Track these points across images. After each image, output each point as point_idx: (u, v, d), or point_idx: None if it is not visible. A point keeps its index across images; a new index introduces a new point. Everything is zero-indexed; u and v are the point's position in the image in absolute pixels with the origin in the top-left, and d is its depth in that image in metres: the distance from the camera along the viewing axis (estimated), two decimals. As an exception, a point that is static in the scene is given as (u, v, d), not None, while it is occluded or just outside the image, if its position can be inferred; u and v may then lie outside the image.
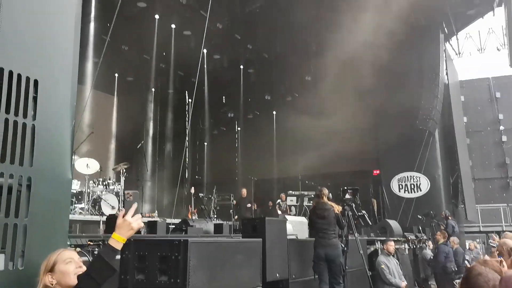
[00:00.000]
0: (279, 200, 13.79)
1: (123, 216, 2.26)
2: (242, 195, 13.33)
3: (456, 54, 19.71)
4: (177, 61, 16.22)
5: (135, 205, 2.37)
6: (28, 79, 2.42)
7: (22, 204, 2.33)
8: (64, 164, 2.62)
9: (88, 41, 12.94)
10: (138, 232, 6.99)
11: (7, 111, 2.30)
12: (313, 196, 13.63)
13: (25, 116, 2.39)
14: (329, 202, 5.99)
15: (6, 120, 2.28)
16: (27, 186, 2.37)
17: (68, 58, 2.72)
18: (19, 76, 2.37)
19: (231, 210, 12.84)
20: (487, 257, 4.13)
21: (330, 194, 6.37)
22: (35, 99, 2.46)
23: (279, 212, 13.34)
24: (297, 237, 7.07)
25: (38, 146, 2.44)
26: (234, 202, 13.36)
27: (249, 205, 12.81)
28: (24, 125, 2.38)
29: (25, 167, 2.36)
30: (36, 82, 2.46)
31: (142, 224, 2.34)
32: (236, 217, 12.32)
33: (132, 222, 2.25)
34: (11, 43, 2.33)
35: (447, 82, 16.10)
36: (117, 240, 2.20)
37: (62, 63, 2.67)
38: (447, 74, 16.22)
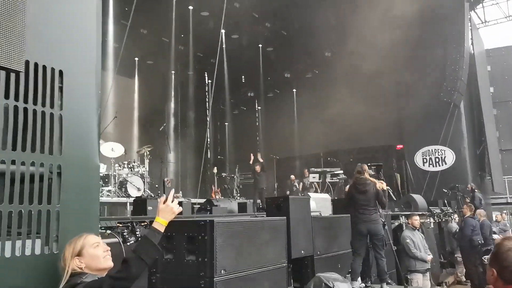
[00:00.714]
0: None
1: (164, 202, 2.37)
2: (256, 170, 12.90)
3: (482, 22, 18.97)
4: (196, 43, 16.19)
5: (172, 191, 2.49)
6: (53, 70, 2.48)
7: (54, 191, 2.43)
8: (92, 151, 2.71)
9: (108, 27, 13.04)
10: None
11: (35, 102, 2.37)
12: (335, 173, 13.63)
13: (52, 106, 2.47)
14: (370, 178, 6.00)
15: (34, 111, 2.37)
16: (57, 173, 2.47)
17: (91, 47, 2.77)
18: (44, 67, 2.44)
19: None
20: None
21: (371, 170, 6.35)
22: (61, 89, 2.54)
23: (299, 188, 13.28)
24: (320, 214, 7.12)
25: (66, 135, 2.52)
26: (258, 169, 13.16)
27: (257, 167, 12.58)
28: (52, 115, 2.46)
29: (55, 156, 2.46)
30: (61, 72, 2.53)
31: (181, 209, 2.54)
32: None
33: (174, 207, 2.37)
34: (35, 36, 2.38)
35: (472, 52, 15.57)
36: (161, 223, 2.32)
37: (86, 52, 2.72)
38: (472, 43, 15.68)
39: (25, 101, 2.33)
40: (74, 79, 2.59)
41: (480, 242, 8.90)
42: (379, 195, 5.86)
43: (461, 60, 14.08)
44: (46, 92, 2.44)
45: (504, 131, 20.04)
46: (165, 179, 10.90)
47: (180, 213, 6.50)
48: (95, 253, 2.29)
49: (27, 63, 2.30)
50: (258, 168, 12.60)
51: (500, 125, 19.70)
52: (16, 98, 2.28)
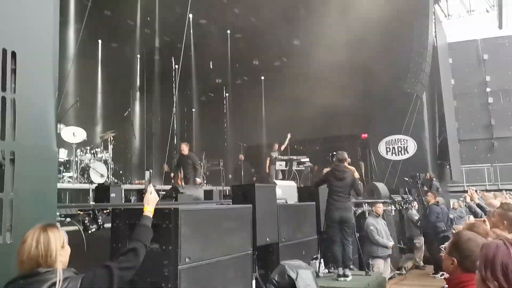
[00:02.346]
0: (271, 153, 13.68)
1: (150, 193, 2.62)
2: (240, 159, 13.41)
3: (445, 16, 19.51)
4: (162, 27, 15.78)
5: (151, 186, 2.80)
6: (5, 51, 2.34)
7: (7, 179, 2.31)
8: (48, 137, 2.59)
9: (69, 7, 12.50)
10: (129, 200, 7.03)
11: (-15, 84, 2.24)
12: (302, 160, 13.75)
13: (3, 89, 2.33)
14: (349, 167, 6.10)
15: (-15, 94, 2.23)
16: (10, 160, 2.34)
17: (47, 28, 2.63)
18: (-5, 48, 2.30)
19: (230, 176, 13.00)
20: (472, 219, 4.25)
21: (349, 159, 6.46)
22: (14, 71, 2.40)
23: (269, 164, 13.33)
24: (286, 201, 7.18)
25: (20, 119, 2.40)
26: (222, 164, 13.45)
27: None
28: (4, 98, 2.33)
29: (7, 142, 2.33)
30: (13, 54, 2.39)
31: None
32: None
33: (156, 196, 2.66)
34: (-15, 13, 2.24)
35: (435, 45, 16.00)
36: (151, 212, 2.58)
37: (41, 33, 2.58)
38: (435, 36, 16.10)
39: (-26, 83, 2.19)
40: (29, 61, 2.45)
41: (443, 228, 9.26)
42: (355, 183, 6.00)
43: (425, 52, 14.43)
44: (-3, 74, 2.30)
45: (463, 122, 20.87)
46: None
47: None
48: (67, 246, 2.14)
49: (-24, 42, 2.16)
50: (241, 157, 13.02)
51: (459, 116, 20.48)
52: (-36, 79, 2.14)
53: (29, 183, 2.42)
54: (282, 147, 13.52)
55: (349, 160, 6.26)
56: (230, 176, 13.34)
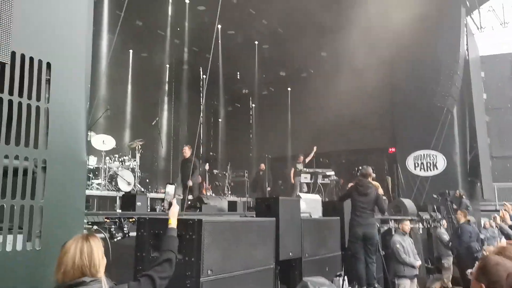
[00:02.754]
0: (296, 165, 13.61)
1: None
2: (260, 169, 13.37)
3: (478, 28, 19.05)
4: (192, 37, 16.06)
5: (175, 199, 2.91)
6: (40, 62, 2.42)
7: (38, 186, 2.37)
8: (78, 146, 2.64)
9: (103, 18, 12.88)
10: (154, 209, 7.10)
11: (20, 94, 2.30)
12: (327, 174, 13.61)
13: (38, 99, 2.40)
14: (373, 182, 6.00)
15: (20, 104, 2.30)
16: (42, 168, 2.40)
17: (80, 39, 2.70)
18: (31, 59, 2.37)
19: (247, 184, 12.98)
20: (503, 241, 4.07)
21: (374, 174, 6.35)
22: (48, 81, 2.47)
23: (292, 179, 13.23)
24: (310, 215, 7.09)
25: (52, 128, 2.46)
26: (247, 175, 13.48)
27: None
28: (38, 108, 2.40)
29: (40, 150, 2.39)
30: (48, 64, 2.46)
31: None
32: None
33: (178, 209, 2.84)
34: (23, 27, 2.31)
35: (467, 58, 15.63)
36: (175, 223, 2.75)
37: (75, 45, 2.65)
38: (467, 49, 15.72)
39: (11, 93, 2.26)
40: (62, 71, 2.52)
41: (477, 249, 8.81)
42: (379, 200, 5.88)
43: (456, 65, 14.11)
44: (32, 84, 2.37)
45: (496, 138, 20.21)
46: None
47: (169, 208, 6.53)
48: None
49: (13, 54, 2.23)
50: (262, 166, 12.95)
51: (491, 132, 19.84)
52: (1, 90, 2.21)
53: (59, 190, 2.48)
54: (307, 159, 13.42)
55: (373, 175, 6.13)
56: (247, 186, 13.32)
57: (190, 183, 8.89)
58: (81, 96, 2.67)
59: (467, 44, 15.68)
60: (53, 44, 2.53)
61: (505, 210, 5.46)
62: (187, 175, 9.27)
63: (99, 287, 1.91)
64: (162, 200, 8.27)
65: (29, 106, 2.35)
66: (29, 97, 2.35)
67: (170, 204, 2.64)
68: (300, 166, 13.25)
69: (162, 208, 2.62)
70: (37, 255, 2.32)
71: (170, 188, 2.61)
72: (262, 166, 13.85)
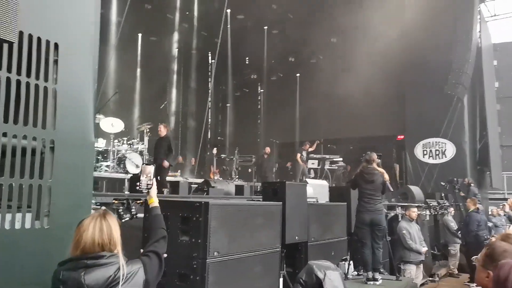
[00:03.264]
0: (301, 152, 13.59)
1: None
2: (266, 152, 13.32)
3: (491, 15, 18.65)
4: (201, 21, 15.99)
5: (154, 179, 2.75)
6: (48, 42, 2.42)
7: (47, 166, 2.39)
8: (86, 127, 2.66)
9: (111, 1, 12.84)
10: (161, 192, 7.14)
11: (28, 74, 2.31)
12: (334, 160, 13.59)
13: (46, 79, 2.41)
14: (378, 168, 5.98)
15: (28, 84, 2.31)
16: (50, 148, 2.42)
17: (88, 21, 2.69)
18: (39, 39, 2.37)
19: (249, 170, 12.96)
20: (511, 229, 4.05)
21: (379, 160, 6.30)
22: (56, 62, 2.47)
23: (301, 162, 13.12)
24: (317, 200, 7.12)
25: (60, 109, 2.47)
26: (254, 160, 13.42)
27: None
28: (46, 88, 2.41)
29: (48, 130, 2.41)
30: (56, 45, 2.46)
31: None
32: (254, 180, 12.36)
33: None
34: (30, 6, 2.31)
35: (480, 46, 15.35)
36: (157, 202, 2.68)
37: (83, 25, 2.64)
38: (480, 37, 15.44)
39: (18, 73, 2.27)
40: (70, 52, 2.52)
41: (486, 237, 8.76)
42: (385, 186, 5.88)
43: (468, 53, 13.87)
44: (40, 64, 2.38)
45: (506, 127, 19.92)
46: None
47: (176, 191, 6.51)
48: None
49: (21, 34, 2.23)
50: (268, 149, 13.05)
51: (502, 121, 19.57)
52: (9, 69, 2.22)
53: (67, 171, 2.50)
54: (310, 149, 13.37)
55: (378, 161, 6.09)
56: (254, 171, 13.34)
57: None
58: (88, 77, 2.67)
59: (479, 32, 15.40)
60: (61, 24, 2.52)
61: None
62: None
63: (117, 262, 1.99)
64: (171, 183, 8.35)
65: (36, 86, 2.36)
66: (37, 78, 2.36)
67: (148, 185, 2.62)
68: (304, 154, 13.20)
69: (138, 187, 2.59)
70: (45, 233, 2.36)
71: (150, 168, 2.58)
72: (267, 149, 13.57)
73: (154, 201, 2.59)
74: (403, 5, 12.64)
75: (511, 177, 18.60)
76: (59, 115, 2.47)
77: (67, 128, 2.51)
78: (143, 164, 2.74)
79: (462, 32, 14.09)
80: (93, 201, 3.99)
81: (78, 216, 2.40)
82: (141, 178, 2.57)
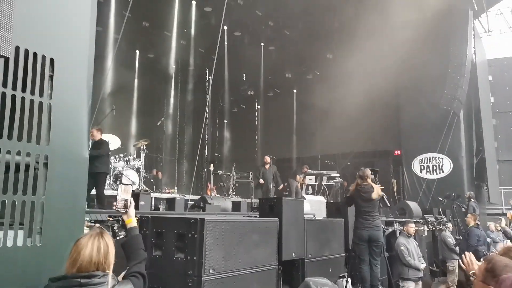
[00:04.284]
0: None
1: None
2: (266, 162, 12.66)
3: (485, 31, 18.91)
4: (198, 38, 16.11)
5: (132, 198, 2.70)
6: (44, 57, 2.42)
7: (40, 182, 2.37)
8: (80, 143, 2.64)
9: (109, 18, 12.96)
10: (158, 208, 7.09)
11: (23, 89, 2.31)
12: (332, 176, 13.57)
13: (41, 94, 2.40)
14: (374, 185, 5.98)
15: (23, 99, 2.30)
16: (44, 164, 2.40)
17: (84, 36, 2.70)
18: (35, 54, 2.37)
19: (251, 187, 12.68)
20: (509, 243, 4.03)
21: (373, 175, 6.29)
22: (51, 78, 2.47)
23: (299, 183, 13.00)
24: (314, 216, 7.07)
25: (54, 125, 2.46)
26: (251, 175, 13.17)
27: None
28: (41, 104, 2.40)
29: (42, 146, 2.39)
30: (52, 60, 2.46)
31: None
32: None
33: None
34: (26, 22, 2.32)
35: (474, 61, 15.53)
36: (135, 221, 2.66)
37: (79, 41, 2.66)
38: (474, 52, 15.63)
39: (14, 88, 2.26)
40: (65, 68, 2.52)
41: (485, 253, 8.72)
42: (383, 201, 5.90)
43: (463, 68, 14.01)
44: (35, 80, 2.37)
45: (502, 142, 20.04)
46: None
47: (172, 208, 6.43)
48: None
49: (17, 49, 2.24)
50: (267, 159, 12.50)
51: (498, 136, 19.69)
52: (4, 84, 2.21)
53: (60, 187, 2.47)
54: (299, 179, 13.23)
55: (372, 176, 6.09)
56: (252, 187, 13.19)
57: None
58: (83, 93, 2.67)
59: (474, 47, 15.59)
60: (57, 40, 2.53)
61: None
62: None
63: (107, 281, 2.03)
64: (167, 199, 8.28)
65: (31, 101, 2.35)
66: (32, 93, 2.36)
67: (125, 205, 2.58)
68: (301, 176, 13.16)
69: (115, 208, 2.54)
70: (37, 251, 2.32)
71: (128, 188, 2.54)
72: (267, 158, 12.75)
73: (132, 221, 2.57)
74: (399, 21, 12.79)
75: (508, 192, 18.61)
76: (53, 131, 2.45)
77: (61, 144, 2.49)
78: (120, 183, 2.69)
79: (457, 47, 14.26)
80: (87, 218, 3.96)
81: (71, 233, 2.38)
82: (118, 197, 2.52)
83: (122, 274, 2.31)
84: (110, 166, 9.76)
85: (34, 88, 2.38)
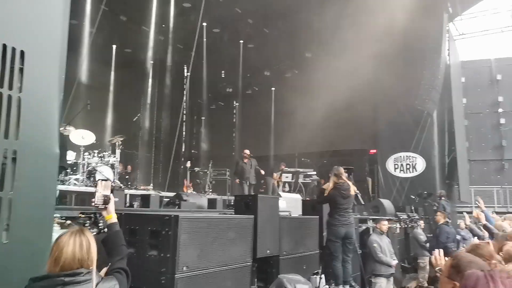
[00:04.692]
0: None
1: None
2: (245, 155, 12.22)
3: (460, 34, 19.40)
4: (176, 34, 15.95)
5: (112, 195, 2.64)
6: (14, 50, 2.36)
7: (7, 177, 2.31)
8: (51, 138, 2.59)
9: (85, 11, 12.69)
10: (132, 205, 6.99)
11: (-9, 83, 2.25)
12: (308, 173, 13.68)
13: (10, 88, 2.35)
14: (350, 183, 6.06)
15: (-10, 92, 2.24)
16: (12, 159, 2.34)
17: (56, 29, 2.64)
18: (4, 46, 2.31)
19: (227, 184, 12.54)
20: (476, 240, 4.17)
21: (347, 173, 6.38)
22: (21, 70, 2.41)
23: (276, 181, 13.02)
24: (290, 214, 7.12)
25: (24, 119, 2.40)
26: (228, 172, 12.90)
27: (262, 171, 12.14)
28: (10, 97, 2.34)
29: (10, 140, 2.34)
30: (22, 53, 2.40)
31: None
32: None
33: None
34: (-5, 13, 2.26)
35: (448, 63, 15.91)
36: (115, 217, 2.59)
37: (50, 34, 2.59)
38: (449, 54, 16.02)
39: (-19, 80, 2.21)
40: (36, 61, 2.47)
41: (454, 250, 8.98)
42: (357, 198, 6.01)
43: (437, 70, 14.35)
44: (4, 72, 2.31)
45: (474, 142, 20.61)
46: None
47: (147, 205, 6.36)
48: None
49: (-16, 41, 2.18)
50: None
51: (470, 136, 20.23)
52: (-29, 77, 2.15)
53: (29, 183, 2.42)
54: (276, 176, 13.24)
55: (345, 174, 6.19)
56: (228, 184, 13.14)
57: None
58: (54, 87, 2.61)
59: (448, 50, 15.97)
60: (28, 32, 2.47)
61: (478, 209, 5.60)
62: None
63: (91, 279, 2.02)
64: (142, 196, 8.20)
65: (0, 94, 2.29)
66: (1, 86, 2.29)
67: (105, 201, 2.52)
68: (278, 175, 13.21)
69: (93, 204, 2.48)
70: (4, 248, 2.27)
71: (107, 184, 2.50)
72: (247, 152, 12.28)
73: (113, 217, 2.53)
74: (376, 23, 12.98)
75: (478, 191, 19.17)
76: (22, 125, 2.40)
77: (30, 138, 2.44)
78: (98, 179, 2.61)
79: (432, 50, 14.58)
80: (58, 215, 3.88)
81: (40, 230, 2.33)
82: (97, 194, 2.46)
83: (104, 270, 2.28)
84: (84, 162, 9.59)
85: (3, 81, 2.32)
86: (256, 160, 12.88)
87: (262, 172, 12.21)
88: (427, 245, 10.14)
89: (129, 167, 11.98)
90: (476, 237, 4.96)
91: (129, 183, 11.59)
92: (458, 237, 10.39)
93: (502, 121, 20.65)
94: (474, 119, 20.73)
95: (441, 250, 2.97)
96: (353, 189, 5.99)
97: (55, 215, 3.69)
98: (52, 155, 2.59)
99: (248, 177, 12.03)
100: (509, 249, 3.44)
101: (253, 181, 12.06)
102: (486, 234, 5.60)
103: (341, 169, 6.10)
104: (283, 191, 12.89)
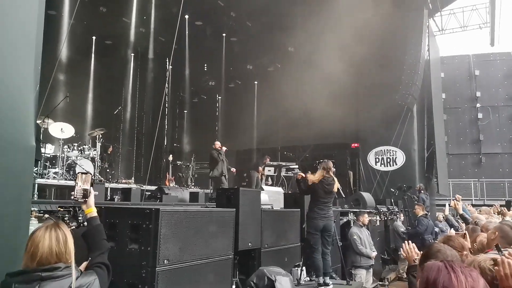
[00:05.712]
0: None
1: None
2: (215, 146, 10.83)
3: (439, 30, 19.70)
4: (158, 26, 15.76)
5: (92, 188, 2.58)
6: (-15, 40, 2.30)
7: (-19, 171, 2.26)
8: (26, 131, 2.53)
9: (64, 1, 12.43)
10: (113, 199, 6.94)
11: (-37, 73, 2.19)
12: (291, 167, 13.75)
13: (-17, 79, 2.29)
14: (334, 178, 6.09)
15: (-38, 84, 2.18)
16: (-15, 152, 2.29)
17: (31, 18, 2.58)
18: (-25, 36, 2.25)
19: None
20: (452, 232, 4.27)
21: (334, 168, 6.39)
22: (-6, 61, 2.35)
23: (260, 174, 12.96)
24: (272, 207, 7.15)
25: (-2, 111, 2.35)
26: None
27: (233, 169, 11.86)
28: (-18, 89, 2.29)
29: (-16, 133, 2.28)
30: (-5, 43, 2.34)
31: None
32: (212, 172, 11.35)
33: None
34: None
35: (428, 58, 16.15)
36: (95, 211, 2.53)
37: (24, 24, 2.53)
38: (428, 50, 16.25)
39: (-48, 71, 2.14)
40: (10, 52, 2.40)
41: (430, 241, 9.18)
42: (339, 192, 6.06)
43: (417, 65, 14.55)
44: (-23, 63, 2.25)
45: (452, 137, 21.07)
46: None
47: (128, 198, 6.29)
48: None
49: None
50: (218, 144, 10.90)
51: (449, 130, 20.67)
52: None
53: (4, 176, 2.37)
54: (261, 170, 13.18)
55: (334, 169, 6.23)
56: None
57: None
58: (29, 79, 2.55)
59: (428, 45, 16.20)
60: (0, 22, 2.40)
61: (456, 200, 5.75)
62: None
63: (71, 273, 1.99)
64: (123, 190, 8.13)
65: (-28, 86, 2.23)
66: (-28, 77, 2.23)
67: (85, 194, 2.47)
68: (262, 167, 13.19)
69: (73, 197, 2.44)
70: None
71: (87, 177, 2.45)
72: (217, 144, 10.94)
73: (93, 211, 2.49)
74: (357, 19, 13.07)
75: (456, 184, 19.62)
76: (-4, 118, 2.34)
77: (5, 132, 2.38)
78: (78, 172, 2.54)
79: (412, 45, 14.78)
80: (36, 209, 3.82)
81: (16, 225, 2.29)
82: (76, 187, 2.40)
83: (84, 264, 2.25)
84: (63, 155, 9.44)
85: (-25, 73, 2.26)
86: (236, 156, 12.75)
87: (233, 169, 11.96)
88: (405, 235, 10.34)
89: (109, 149, 11.68)
90: (452, 229, 5.09)
91: (110, 177, 11.45)
92: (436, 229, 10.63)
93: (480, 115, 21.15)
94: (453, 114, 21.19)
95: (411, 242, 3.05)
96: (336, 186, 6.02)
97: (33, 209, 3.63)
98: (28, 148, 2.53)
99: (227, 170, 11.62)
100: (482, 239, 3.54)
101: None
102: (463, 225, 5.75)
103: (330, 164, 6.14)
104: (266, 184, 12.93)
